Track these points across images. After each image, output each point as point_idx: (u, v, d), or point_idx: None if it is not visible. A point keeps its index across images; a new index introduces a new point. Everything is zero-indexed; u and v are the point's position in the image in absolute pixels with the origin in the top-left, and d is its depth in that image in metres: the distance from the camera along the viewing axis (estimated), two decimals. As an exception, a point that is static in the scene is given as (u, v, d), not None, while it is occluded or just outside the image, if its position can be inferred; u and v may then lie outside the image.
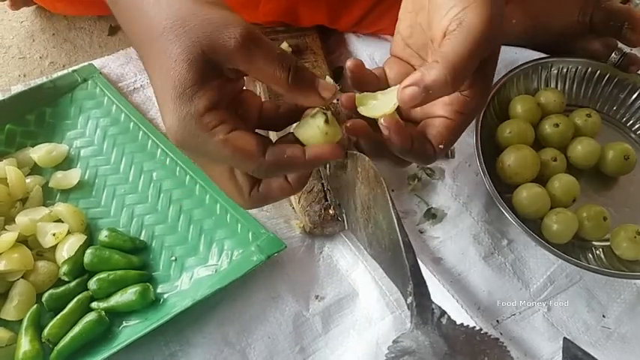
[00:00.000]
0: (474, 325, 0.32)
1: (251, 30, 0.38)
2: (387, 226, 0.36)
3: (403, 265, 0.32)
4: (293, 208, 0.65)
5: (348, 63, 0.42)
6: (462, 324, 0.30)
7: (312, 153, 0.38)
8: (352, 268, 0.61)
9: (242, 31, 0.37)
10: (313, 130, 0.39)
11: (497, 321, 0.59)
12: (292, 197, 0.64)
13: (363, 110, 0.40)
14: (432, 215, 0.65)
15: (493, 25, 0.39)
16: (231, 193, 0.41)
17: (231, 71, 0.38)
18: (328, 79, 0.69)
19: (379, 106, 0.39)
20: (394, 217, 0.34)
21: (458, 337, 0.29)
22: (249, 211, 0.62)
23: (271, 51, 0.38)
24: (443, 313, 0.30)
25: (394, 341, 0.29)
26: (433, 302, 0.31)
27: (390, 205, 0.34)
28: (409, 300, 0.31)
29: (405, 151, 0.39)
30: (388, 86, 0.44)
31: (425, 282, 0.31)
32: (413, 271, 0.32)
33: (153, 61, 0.39)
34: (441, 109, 0.43)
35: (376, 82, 0.44)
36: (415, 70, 0.40)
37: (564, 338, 0.57)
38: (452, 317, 0.31)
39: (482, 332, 0.29)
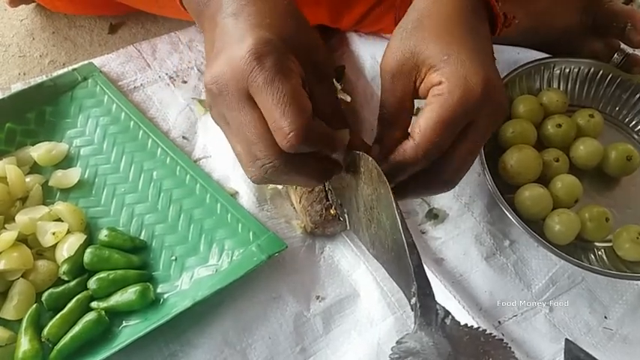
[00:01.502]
0: (478, 325, 0.31)
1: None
2: (390, 226, 0.35)
3: (407, 266, 0.32)
4: (294, 207, 0.65)
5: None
6: (465, 325, 0.29)
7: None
8: (353, 269, 0.61)
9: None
10: None
11: (499, 322, 0.59)
12: (293, 197, 0.64)
13: None
14: (434, 216, 0.64)
15: (472, 100, 0.41)
16: (297, 113, 0.38)
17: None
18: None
19: None
20: (398, 217, 0.34)
21: (462, 338, 0.29)
22: (250, 211, 0.62)
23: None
24: (447, 313, 0.30)
25: (398, 342, 0.29)
26: (437, 303, 0.30)
27: (394, 205, 0.34)
28: (413, 301, 0.31)
29: (389, 173, 0.40)
30: None
31: (429, 283, 0.31)
32: (417, 272, 0.31)
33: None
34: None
35: None
36: None
37: (566, 339, 0.56)
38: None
39: (486, 333, 0.29)
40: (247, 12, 0.41)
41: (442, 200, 0.66)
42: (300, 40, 0.41)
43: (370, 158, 0.38)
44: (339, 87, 0.70)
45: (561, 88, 0.73)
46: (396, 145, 0.42)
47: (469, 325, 0.30)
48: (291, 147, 0.38)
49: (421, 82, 0.43)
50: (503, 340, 0.29)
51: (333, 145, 0.40)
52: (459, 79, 0.40)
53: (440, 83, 0.41)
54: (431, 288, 0.31)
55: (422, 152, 0.40)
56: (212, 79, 0.39)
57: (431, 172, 0.42)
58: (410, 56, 0.43)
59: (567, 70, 0.72)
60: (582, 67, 0.72)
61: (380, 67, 0.46)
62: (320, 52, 0.43)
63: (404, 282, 0.33)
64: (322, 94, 0.43)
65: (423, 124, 0.40)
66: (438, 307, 0.30)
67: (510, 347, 0.29)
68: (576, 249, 0.63)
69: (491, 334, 0.29)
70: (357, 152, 0.40)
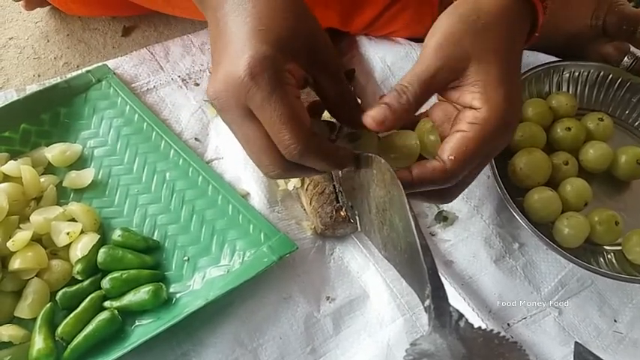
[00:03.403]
0: (492, 328, 0.32)
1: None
2: (403, 228, 0.36)
3: (420, 268, 0.32)
4: (304, 209, 0.65)
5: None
6: (479, 327, 0.30)
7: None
8: (363, 270, 0.61)
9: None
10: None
11: (508, 324, 0.59)
12: (304, 198, 0.65)
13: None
14: (443, 218, 0.65)
15: (504, 133, 0.42)
16: (297, 127, 0.39)
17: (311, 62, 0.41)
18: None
19: None
20: (411, 219, 0.34)
21: (476, 341, 0.29)
22: (261, 211, 0.62)
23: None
24: (461, 316, 0.30)
25: (412, 344, 0.29)
26: (451, 305, 0.31)
27: (407, 207, 0.35)
28: (427, 303, 0.31)
29: (410, 187, 0.40)
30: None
31: (442, 285, 0.32)
32: (431, 274, 0.32)
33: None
34: (455, 126, 0.42)
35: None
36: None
37: (576, 342, 0.57)
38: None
39: (500, 335, 0.30)
40: (244, 14, 0.40)
41: (451, 203, 0.66)
42: (299, 37, 0.40)
43: (383, 160, 0.39)
44: (352, 89, 0.71)
45: (571, 92, 0.73)
46: (397, 124, 0.42)
47: (483, 328, 0.30)
48: (294, 159, 0.39)
49: (455, 87, 0.42)
50: (517, 342, 0.29)
51: (336, 161, 0.41)
52: (499, 113, 0.40)
53: (478, 109, 0.41)
54: (444, 290, 0.31)
55: (451, 176, 0.41)
56: (214, 95, 0.40)
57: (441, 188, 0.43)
58: (466, 57, 0.41)
59: (577, 74, 0.73)
60: (592, 71, 0.72)
61: (430, 40, 0.43)
62: (321, 43, 0.42)
63: (417, 284, 0.34)
64: (329, 84, 0.42)
65: (457, 150, 0.40)
66: (451, 309, 0.31)
67: (525, 350, 0.29)
68: (585, 252, 0.63)
69: (505, 336, 0.30)
70: (370, 154, 0.41)
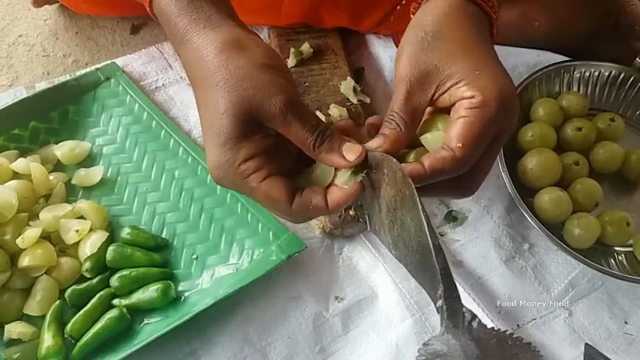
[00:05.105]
0: (505, 329, 0.32)
1: (294, 100, 0.42)
2: (415, 228, 0.36)
3: (433, 268, 0.32)
4: (313, 208, 0.65)
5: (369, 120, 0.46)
6: (492, 328, 0.29)
7: (334, 201, 0.42)
8: (372, 270, 0.61)
9: (286, 100, 0.41)
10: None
11: (518, 325, 0.59)
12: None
13: None
14: (453, 218, 0.64)
15: (508, 111, 0.42)
16: (275, 208, 0.44)
17: (272, 130, 0.43)
18: (349, 79, 0.70)
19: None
20: (423, 219, 0.34)
21: (489, 341, 0.29)
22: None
23: (307, 120, 0.42)
24: (474, 316, 0.30)
25: (424, 344, 0.29)
26: (464, 306, 0.31)
27: (420, 207, 0.34)
28: (439, 303, 0.31)
29: (424, 179, 0.41)
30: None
31: (455, 285, 0.31)
32: (443, 274, 0.31)
33: (204, 105, 0.43)
34: (459, 112, 0.42)
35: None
36: None
37: (586, 344, 0.57)
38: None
39: (514, 336, 0.29)
40: (201, 86, 0.43)
41: (461, 203, 0.66)
42: (257, 104, 0.41)
43: (394, 160, 0.38)
44: (359, 88, 0.71)
45: (581, 92, 0.72)
46: (396, 147, 0.43)
47: (496, 329, 0.30)
48: (293, 221, 0.45)
49: (441, 94, 0.44)
50: (531, 343, 0.29)
51: (329, 211, 0.43)
52: (494, 92, 0.41)
53: (473, 97, 0.41)
54: (457, 290, 0.31)
55: (461, 163, 0.41)
56: (209, 172, 0.44)
57: (458, 179, 0.43)
58: (433, 69, 0.43)
59: (588, 74, 0.72)
60: (603, 71, 0.72)
61: (396, 73, 0.45)
62: (277, 105, 0.42)
63: (429, 284, 0.33)
64: (296, 138, 0.43)
65: (463, 136, 0.41)
66: (464, 309, 0.30)
67: (539, 351, 0.29)
68: (596, 253, 0.62)
69: (518, 337, 0.29)
70: (381, 154, 0.40)
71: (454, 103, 0.43)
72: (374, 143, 0.43)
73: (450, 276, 0.32)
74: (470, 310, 0.30)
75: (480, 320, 0.30)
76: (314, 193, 0.43)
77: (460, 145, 0.41)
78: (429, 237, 0.33)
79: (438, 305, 0.32)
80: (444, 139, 0.42)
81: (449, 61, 0.43)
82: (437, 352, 0.29)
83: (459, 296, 0.31)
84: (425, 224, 0.34)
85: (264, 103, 0.41)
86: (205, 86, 0.43)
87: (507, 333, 0.30)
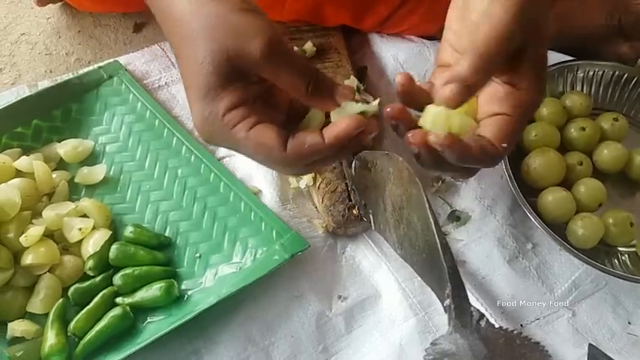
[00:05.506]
0: (513, 328, 0.31)
1: (276, 40, 0.39)
2: (422, 227, 0.35)
3: (440, 267, 0.32)
4: (316, 207, 0.65)
5: (398, 77, 0.42)
6: (500, 327, 0.29)
7: (332, 134, 0.39)
8: (375, 269, 0.61)
9: (268, 41, 0.38)
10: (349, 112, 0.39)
11: (521, 325, 0.58)
12: (315, 196, 0.64)
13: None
14: (456, 218, 0.64)
15: (519, 14, 0.40)
16: (268, 156, 0.40)
17: (256, 76, 0.40)
18: (352, 78, 0.69)
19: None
20: (431, 218, 0.34)
21: (497, 341, 0.29)
22: (273, 209, 0.62)
23: (293, 62, 0.40)
24: (482, 316, 0.30)
25: (432, 343, 0.29)
26: (472, 305, 0.31)
27: (427, 206, 0.34)
28: (447, 302, 0.31)
29: (465, 160, 0.40)
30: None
31: (463, 284, 0.31)
32: (451, 274, 0.31)
33: (183, 61, 0.41)
34: (495, 106, 0.42)
35: (426, 97, 0.43)
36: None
37: (590, 344, 0.56)
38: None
39: (522, 336, 0.29)
40: (178, 42, 0.41)
41: (464, 202, 0.65)
42: (235, 49, 0.39)
43: (400, 159, 0.38)
44: (362, 87, 0.70)
45: (585, 91, 0.72)
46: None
47: (504, 328, 0.30)
48: (293, 170, 0.42)
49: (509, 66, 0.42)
50: (539, 343, 0.29)
51: (327, 147, 0.40)
52: (539, 98, 0.42)
53: (524, 91, 0.41)
54: (465, 290, 0.31)
55: (499, 161, 0.41)
56: (197, 130, 0.42)
57: None
58: (521, 42, 0.41)
59: (591, 73, 0.72)
60: (606, 70, 0.72)
61: (492, 9, 0.41)
62: (258, 46, 0.39)
63: (436, 283, 0.33)
64: (285, 83, 0.41)
65: (509, 137, 0.41)
66: (472, 309, 0.30)
67: (547, 350, 0.29)
68: (599, 253, 0.62)
69: (526, 336, 0.29)
70: (386, 152, 0.40)
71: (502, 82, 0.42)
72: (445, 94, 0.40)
73: (457, 275, 0.31)
74: (478, 310, 0.30)
75: (487, 319, 0.30)
76: (308, 133, 0.40)
77: (505, 145, 0.41)
78: (436, 236, 0.33)
79: (445, 304, 0.31)
80: (492, 133, 0.41)
81: (534, 41, 0.42)
82: (445, 351, 0.29)
83: (466, 295, 0.31)
84: (432, 223, 0.34)
85: (244, 47, 0.38)
86: (181, 39, 0.41)
87: (515, 332, 0.30)
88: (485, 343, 0.29)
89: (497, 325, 0.30)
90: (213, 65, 0.39)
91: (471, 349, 0.28)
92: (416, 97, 0.42)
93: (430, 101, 0.41)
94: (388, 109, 0.39)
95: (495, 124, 0.41)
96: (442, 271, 0.32)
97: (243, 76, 0.40)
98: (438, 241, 0.33)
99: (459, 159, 0.39)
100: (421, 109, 0.41)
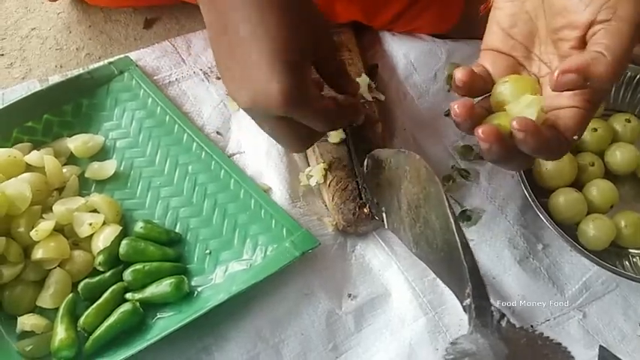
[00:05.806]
0: (535, 329, 0.31)
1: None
2: (440, 226, 0.35)
3: (460, 267, 0.32)
4: (326, 205, 0.65)
5: (459, 74, 0.43)
6: (521, 327, 0.29)
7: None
8: (385, 268, 0.61)
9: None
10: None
11: (531, 326, 0.58)
12: (325, 194, 0.64)
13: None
14: (467, 217, 0.64)
15: None
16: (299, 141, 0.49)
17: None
18: (364, 76, 0.69)
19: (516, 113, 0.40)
20: (450, 217, 0.33)
21: (519, 341, 0.28)
22: (283, 207, 0.62)
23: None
24: (502, 315, 0.30)
25: (452, 342, 0.29)
26: (492, 305, 0.30)
27: (446, 205, 0.34)
28: (467, 302, 0.31)
29: (540, 150, 0.40)
30: (493, 83, 0.44)
31: (484, 284, 0.31)
32: (472, 273, 0.31)
33: (257, 23, 0.42)
34: (569, 99, 0.42)
35: (484, 85, 0.44)
36: (517, 61, 0.44)
37: (600, 346, 0.56)
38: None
39: (544, 336, 0.29)
40: (261, 29, 0.42)
41: (475, 202, 0.65)
42: (314, 44, 0.45)
43: (418, 156, 0.38)
44: (373, 85, 0.70)
45: (597, 92, 0.72)
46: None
47: (525, 328, 0.30)
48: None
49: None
50: (561, 344, 0.29)
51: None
52: (610, 87, 0.45)
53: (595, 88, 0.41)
54: (485, 289, 0.31)
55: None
56: (247, 108, 0.44)
57: None
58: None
59: (604, 74, 0.71)
60: (619, 72, 0.71)
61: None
62: (326, 46, 0.48)
63: (456, 283, 0.33)
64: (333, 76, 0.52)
65: (581, 131, 0.42)
66: (493, 308, 0.30)
67: (570, 352, 0.28)
68: (610, 255, 0.62)
69: (548, 337, 0.29)
70: (403, 150, 0.40)
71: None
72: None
73: (478, 274, 0.31)
74: (498, 309, 0.30)
75: (508, 319, 0.30)
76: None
77: (576, 137, 0.41)
78: (456, 235, 0.33)
79: (465, 304, 0.31)
80: (565, 126, 0.41)
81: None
82: (465, 351, 0.28)
83: (487, 295, 0.31)
84: (452, 222, 0.33)
85: (323, 40, 0.46)
86: (259, 5, 0.42)
87: (537, 332, 0.30)
88: (506, 342, 0.28)
89: (517, 325, 0.29)
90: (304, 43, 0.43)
91: (492, 349, 0.28)
92: (475, 88, 0.43)
93: (487, 88, 0.43)
94: (480, 132, 0.39)
95: (570, 118, 0.41)
96: (462, 270, 0.32)
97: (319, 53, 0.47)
98: (458, 240, 0.33)
99: (535, 148, 0.39)
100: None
